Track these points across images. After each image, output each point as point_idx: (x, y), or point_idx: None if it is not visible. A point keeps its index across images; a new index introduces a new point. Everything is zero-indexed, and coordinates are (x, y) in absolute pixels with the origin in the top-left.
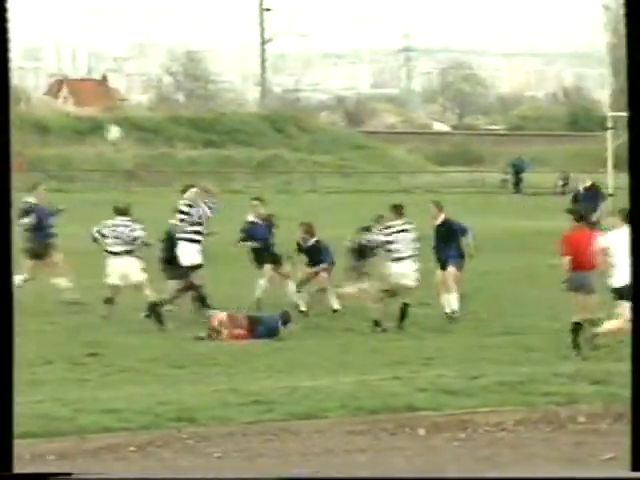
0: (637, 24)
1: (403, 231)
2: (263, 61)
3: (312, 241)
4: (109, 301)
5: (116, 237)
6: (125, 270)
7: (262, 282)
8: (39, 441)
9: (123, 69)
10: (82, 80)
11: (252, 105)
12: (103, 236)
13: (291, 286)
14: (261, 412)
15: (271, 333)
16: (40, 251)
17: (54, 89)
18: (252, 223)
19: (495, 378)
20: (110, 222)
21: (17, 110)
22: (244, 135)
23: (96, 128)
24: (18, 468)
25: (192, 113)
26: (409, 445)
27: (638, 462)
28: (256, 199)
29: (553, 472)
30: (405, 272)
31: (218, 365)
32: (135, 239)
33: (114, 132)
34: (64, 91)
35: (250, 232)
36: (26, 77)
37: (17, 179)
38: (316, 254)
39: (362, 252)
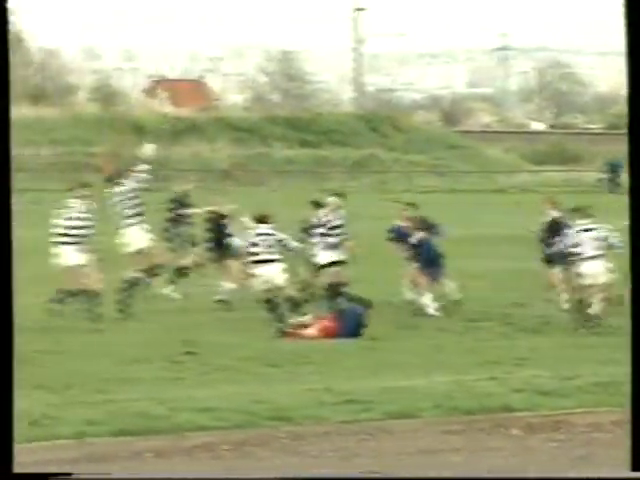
0: (637, 24)
1: (588, 230)
2: (358, 61)
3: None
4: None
5: (269, 246)
6: (272, 275)
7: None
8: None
9: (219, 69)
10: (179, 80)
11: (347, 105)
12: (254, 245)
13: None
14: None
15: (358, 322)
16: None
17: (151, 89)
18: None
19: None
20: (254, 232)
21: (114, 110)
22: (340, 135)
23: (192, 128)
24: (116, 467)
25: (288, 113)
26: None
27: (638, 462)
28: (408, 204)
29: (553, 472)
30: (596, 271)
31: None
32: (283, 245)
33: (148, 149)
34: (161, 91)
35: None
36: (124, 78)
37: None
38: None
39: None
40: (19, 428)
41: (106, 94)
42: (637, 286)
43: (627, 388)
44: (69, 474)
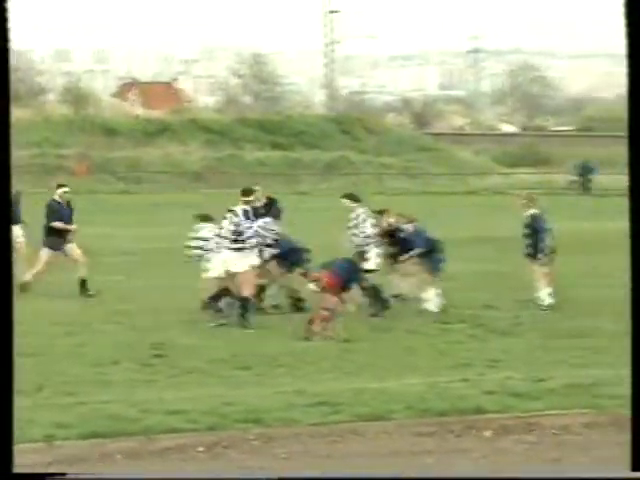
0: (637, 24)
1: None
2: (330, 63)
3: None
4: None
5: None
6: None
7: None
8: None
9: (191, 72)
10: (151, 83)
11: (319, 107)
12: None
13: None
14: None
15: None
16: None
17: (123, 92)
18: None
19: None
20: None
21: (86, 113)
22: (311, 137)
23: (164, 130)
24: (85, 468)
25: (259, 115)
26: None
27: (638, 462)
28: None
29: (554, 472)
30: None
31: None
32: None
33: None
34: (133, 94)
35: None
36: (95, 80)
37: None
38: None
39: None
40: None
41: (77, 96)
42: (637, 286)
43: (600, 390)
44: (64, 474)
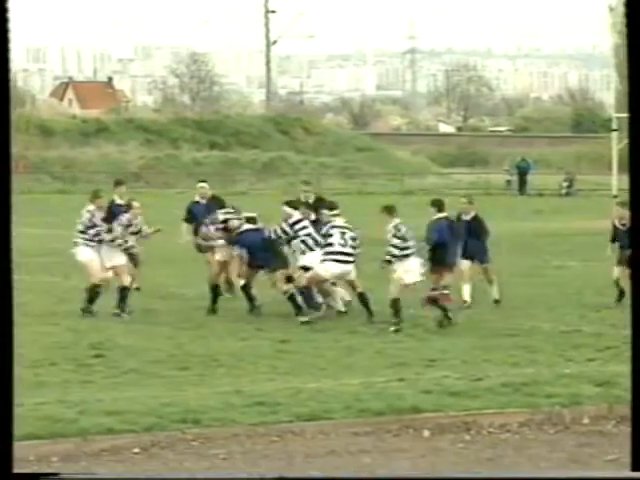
0: (637, 24)
1: None
2: (268, 63)
3: None
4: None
5: (412, 238)
6: (413, 269)
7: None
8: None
9: (128, 71)
10: (87, 82)
11: (257, 107)
12: (404, 239)
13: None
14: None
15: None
16: None
17: (59, 91)
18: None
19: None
20: (403, 225)
21: (22, 112)
22: (249, 137)
23: (101, 130)
24: (19, 469)
25: (197, 115)
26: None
27: (638, 462)
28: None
29: (554, 472)
30: None
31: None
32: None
33: None
34: (69, 93)
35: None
36: (31, 79)
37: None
38: None
39: None
40: None
41: (13, 95)
42: (637, 286)
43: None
44: (57, 474)
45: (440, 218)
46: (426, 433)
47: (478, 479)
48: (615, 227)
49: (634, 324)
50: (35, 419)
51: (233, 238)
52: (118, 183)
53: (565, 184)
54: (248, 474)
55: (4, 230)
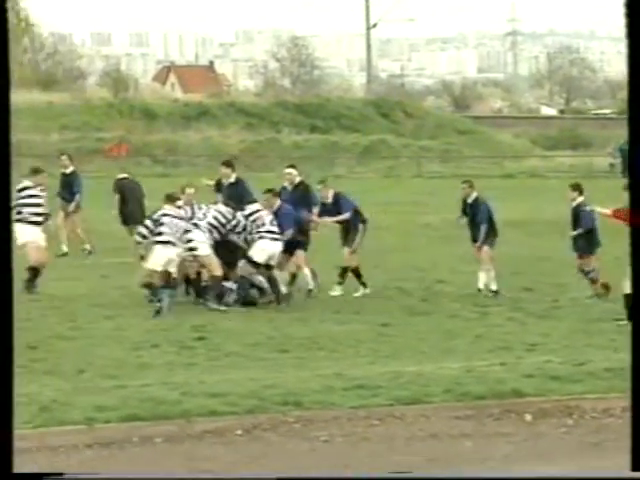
0: (638, 24)
1: None
2: (368, 46)
3: None
4: None
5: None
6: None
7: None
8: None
9: (230, 55)
10: (189, 66)
11: (358, 90)
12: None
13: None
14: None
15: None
16: None
17: (162, 75)
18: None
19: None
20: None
21: (125, 96)
22: (350, 120)
23: (203, 114)
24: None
25: (298, 98)
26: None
27: (638, 462)
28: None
29: (554, 472)
30: None
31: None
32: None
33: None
34: (172, 77)
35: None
36: (134, 63)
37: (119, 165)
38: None
39: None
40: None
41: (116, 79)
42: (637, 286)
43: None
44: (61, 474)
45: (584, 202)
46: (528, 417)
47: (478, 479)
48: None
49: (634, 324)
50: (139, 401)
51: None
52: (225, 164)
53: None
54: (248, 474)
55: (4, 230)
